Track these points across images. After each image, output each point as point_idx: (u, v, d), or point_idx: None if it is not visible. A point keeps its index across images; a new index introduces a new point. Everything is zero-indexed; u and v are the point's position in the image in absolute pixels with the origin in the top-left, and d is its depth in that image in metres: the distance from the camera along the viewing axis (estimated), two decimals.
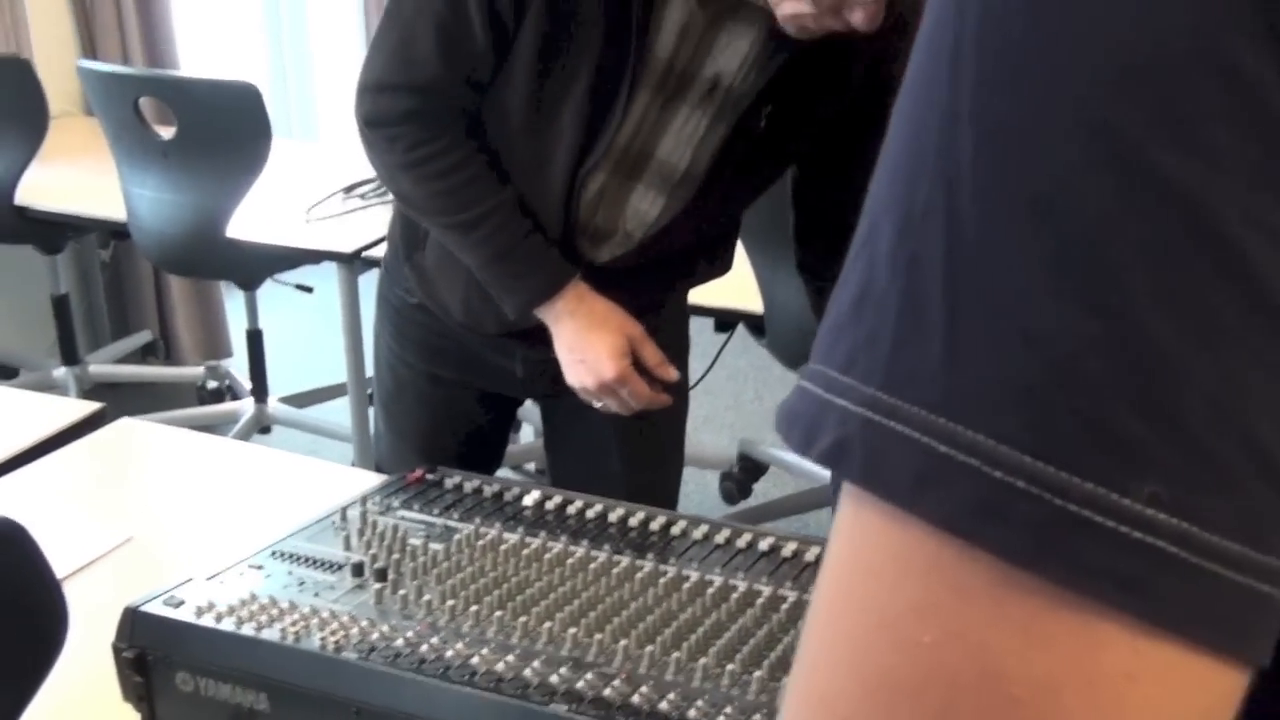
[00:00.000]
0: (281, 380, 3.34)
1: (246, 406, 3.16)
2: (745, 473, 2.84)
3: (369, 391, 2.87)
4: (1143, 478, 0.24)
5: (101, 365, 3.51)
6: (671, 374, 1.40)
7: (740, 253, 2.16)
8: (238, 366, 3.55)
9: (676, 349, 1.65)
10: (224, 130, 2.61)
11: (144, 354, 3.82)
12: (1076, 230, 0.24)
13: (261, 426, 3.13)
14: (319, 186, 2.77)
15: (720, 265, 1.54)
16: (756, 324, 2.29)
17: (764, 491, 2.93)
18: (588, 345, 1.36)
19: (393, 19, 1.34)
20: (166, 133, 2.66)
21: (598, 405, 1.41)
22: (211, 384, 3.51)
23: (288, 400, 3.23)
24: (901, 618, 0.26)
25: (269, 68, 4.58)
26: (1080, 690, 0.24)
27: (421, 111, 1.34)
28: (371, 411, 2.86)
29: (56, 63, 3.34)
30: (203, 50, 4.19)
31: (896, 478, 0.26)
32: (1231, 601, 0.24)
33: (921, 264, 0.26)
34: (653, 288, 1.46)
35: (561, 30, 1.27)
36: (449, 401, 1.58)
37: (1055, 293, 0.24)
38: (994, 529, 0.24)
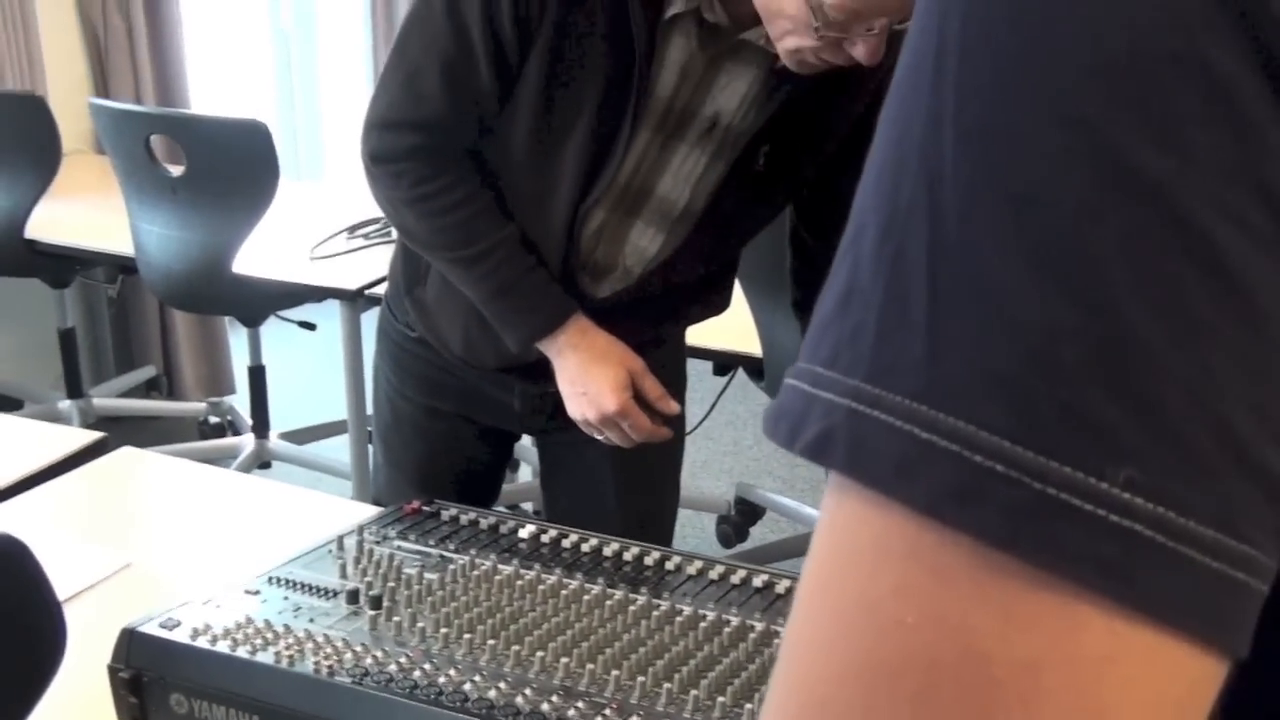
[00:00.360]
0: (282, 416, 3.35)
1: (247, 442, 3.17)
2: (742, 516, 2.84)
3: (369, 428, 2.89)
4: (1119, 463, 0.24)
5: (105, 399, 3.53)
6: (672, 407, 1.41)
7: (739, 296, 2.19)
8: (239, 402, 3.57)
9: (675, 386, 1.66)
10: (233, 168, 2.64)
11: (148, 389, 3.84)
12: (1056, 223, 0.25)
13: (261, 462, 3.14)
14: (323, 225, 2.80)
15: (718, 303, 1.55)
16: (755, 367, 2.31)
17: (760, 535, 2.93)
18: (590, 379, 1.38)
19: (400, 56, 1.36)
20: (176, 170, 2.69)
21: (599, 438, 1.42)
22: (213, 419, 3.52)
23: (288, 436, 3.24)
24: (883, 600, 0.26)
25: (277, 108, 4.64)
26: (1060, 671, 0.25)
27: (427, 148, 1.37)
28: (371, 449, 2.88)
29: (70, 101, 3.38)
30: (213, 90, 4.25)
31: (879, 465, 0.26)
32: (1207, 588, 0.25)
33: (905, 259, 0.27)
34: (651, 323, 1.48)
35: (565, 69, 1.30)
36: (447, 435, 1.59)
37: (1035, 283, 0.25)
38: (974, 512, 0.25)
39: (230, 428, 3.53)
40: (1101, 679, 0.25)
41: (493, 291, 1.38)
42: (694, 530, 2.93)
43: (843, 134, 1.37)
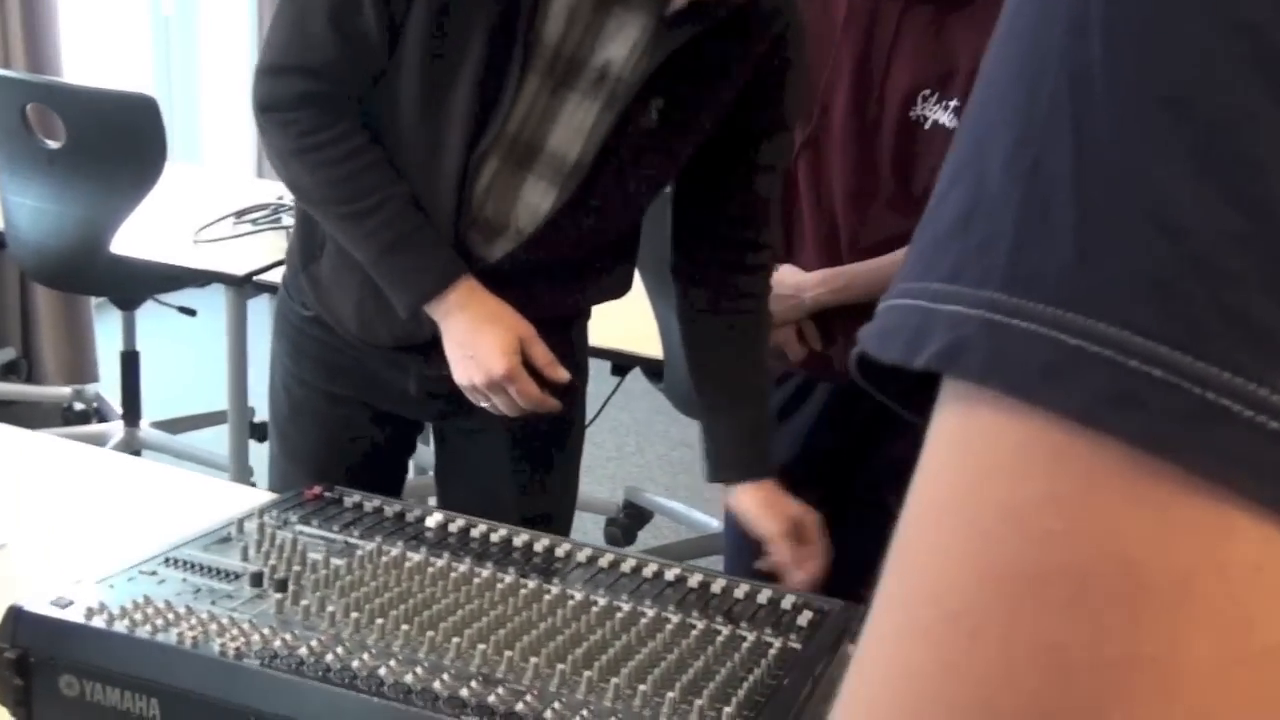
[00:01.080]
0: (154, 405, 3.23)
1: (116, 429, 3.04)
2: (630, 519, 2.84)
3: (250, 420, 2.81)
4: None
5: None
6: (561, 375, 1.39)
7: (641, 296, 2.19)
8: (106, 390, 3.43)
9: (575, 379, 1.64)
10: (116, 142, 2.54)
11: (5, 372, 3.66)
12: (1218, 125, 0.24)
13: (132, 451, 3.02)
14: (207, 210, 2.71)
15: (617, 283, 1.54)
16: (653, 369, 2.31)
17: (645, 541, 2.93)
18: (478, 341, 1.35)
19: (288, 1, 1.34)
20: (53, 143, 2.57)
21: (484, 405, 1.39)
22: (78, 406, 3.38)
23: (160, 425, 3.12)
24: (1026, 508, 0.26)
25: (154, 84, 4.48)
26: (1210, 579, 0.24)
27: (315, 95, 1.34)
28: (250, 442, 2.79)
29: None
30: (87, 60, 4.08)
31: (1023, 372, 0.26)
32: None
33: (1045, 167, 0.26)
34: (547, 295, 1.45)
35: (451, 17, 1.29)
36: (345, 422, 1.55)
37: (1195, 187, 0.24)
38: (1129, 417, 0.25)
39: (96, 415, 3.38)
40: (1251, 588, 0.24)
41: (381, 249, 1.36)
42: (580, 533, 2.91)
43: (741, 83, 1.38)
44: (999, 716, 0.26)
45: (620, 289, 1.56)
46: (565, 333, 1.56)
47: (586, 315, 1.62)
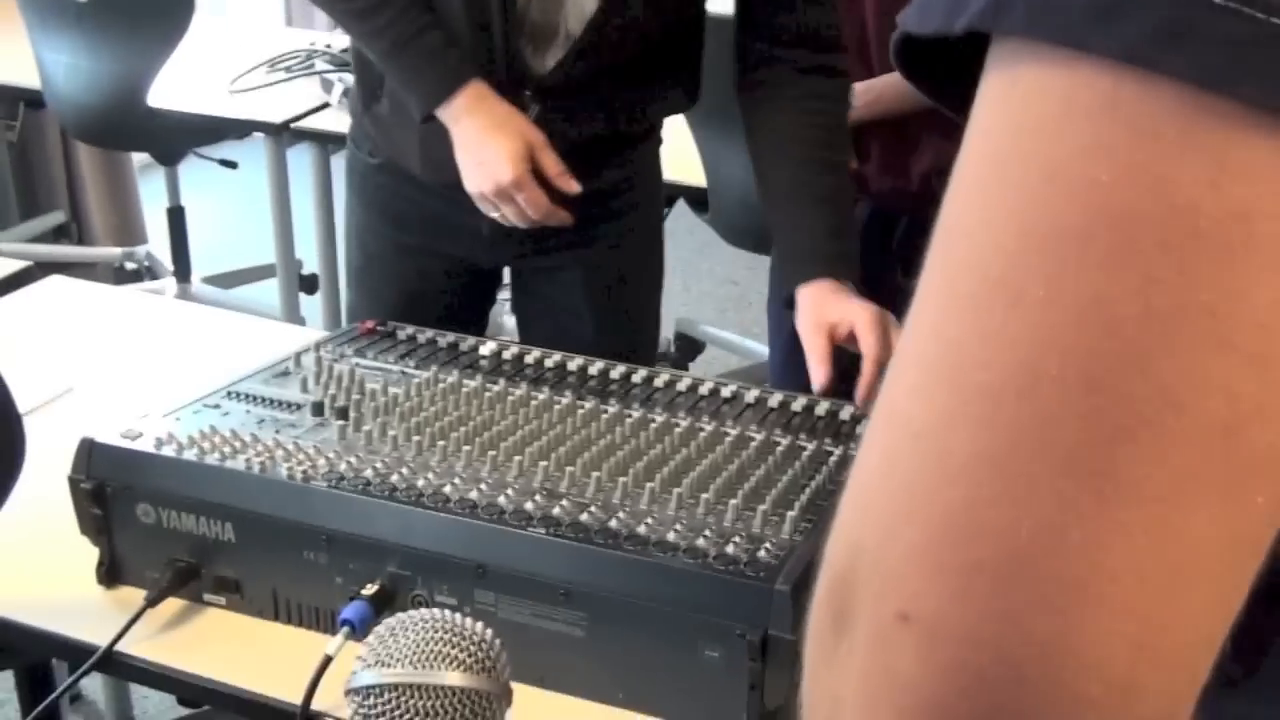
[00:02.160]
0: (203, 261, 3.25)
1: (168, 286, 3.07)
2: (681, 352, 2.85)
3: (299, 272, 2.82)
4: None
5: (13, 243, 3.38)
6: (571, 185, 1.34)
7: (683, 127, 2.14)
8: (157, 247, 3.45)
9: (652, 205, 1.59)
10: None
11: (56, 235, 3.69)
12: None
13: None
14: (239, 61, 2.66)
15: (682, 92, 1.47)
16: (698, 198, 2.28)
17: (700, 370, 2.94)
18: (485, 146, 1.32)
19: None
20: None
21: (494, 215, 1.36)
22: (129, 265, 3.40)
23: (211, 281, 3.15)
24: (1072, 161, 0.25)
25: None
26: (1270, 222, 0.23)
27: None
28: (301, 294, 2.81)
29: None
30: None
31: (1068, 17, 0.25)
32: None
33: None
34: (609, 109, 1.41)
35: None
36: (419, 273, 1.53)
37: None
38: (1183, 52, 0.23)
39: (148, 273, 3.41)
40: None
41: (387, 48, 1.33)
42: None
43: None
44: (1041, 379, 0.25)
45: (688, 100, 1.48)
46: (631, 153, 1.51)
47: (657, 138, 1.57)
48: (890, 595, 0.27)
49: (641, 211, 1.55)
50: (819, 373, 1.17)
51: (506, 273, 1.62)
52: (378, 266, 1.54)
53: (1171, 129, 0.24)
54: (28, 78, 2.64)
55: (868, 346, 1.17)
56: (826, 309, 1.25)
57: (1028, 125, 0.26)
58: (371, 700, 0.67)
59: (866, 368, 1.16)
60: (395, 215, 1.51)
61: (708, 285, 3.62)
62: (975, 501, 0.26)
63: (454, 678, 0.67)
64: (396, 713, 0.67)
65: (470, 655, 0.68)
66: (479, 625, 0.70)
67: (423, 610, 0.71)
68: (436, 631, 0.68)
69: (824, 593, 0.30)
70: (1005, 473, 0.26)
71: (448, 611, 0.71)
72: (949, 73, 0.29)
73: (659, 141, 1.57)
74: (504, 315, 2.62)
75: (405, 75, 1.34)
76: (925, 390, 0.28)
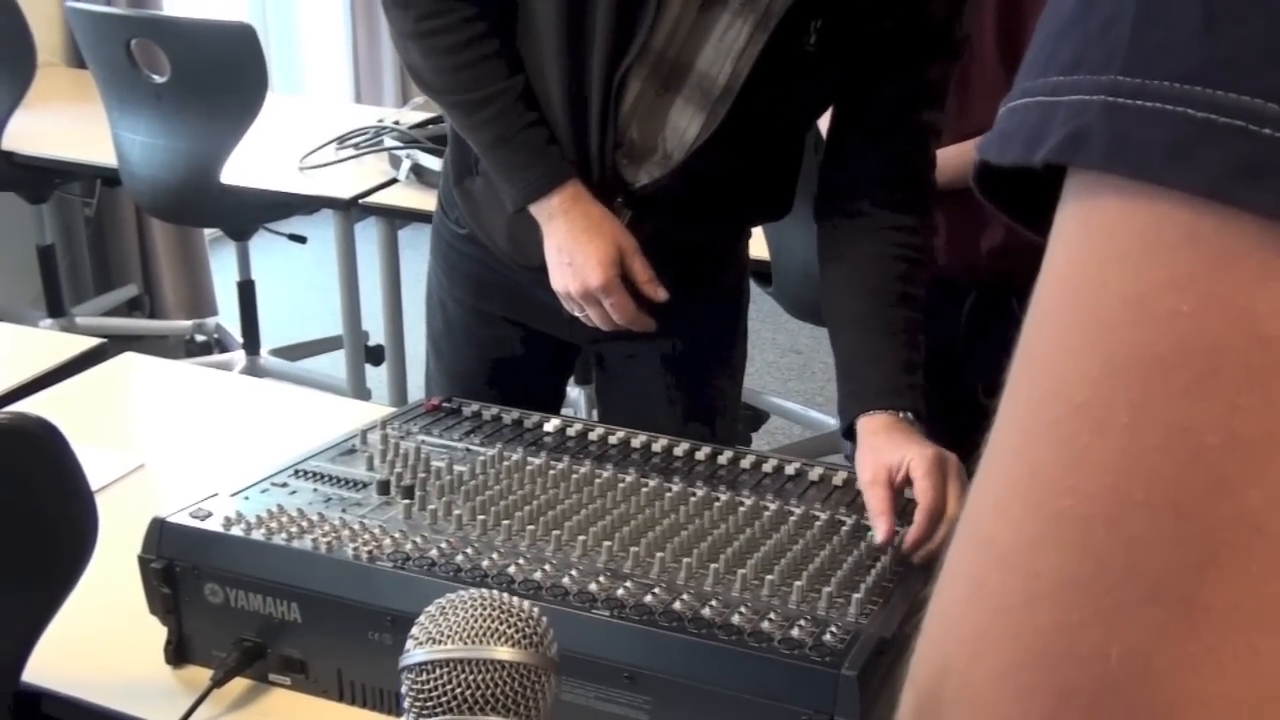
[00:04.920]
0: (271, 334, 3.31)
1: (238, 359, 3.12)
2: (745, 423, 2.83)
3: (365, 344, 2.86)
4: None
5: (88, 317, 3.47)
6: (660, 294, 1.34)
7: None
8: (227, 319, 3.52)
9: (735, 300, 1.57)
10: (219, 73, 2.57)
11: (129, 308, 3.78)
12: None
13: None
14: (310, 137, 2.73)
15: (775, 205, 1.45)
16: (761, 271, 2.28)
17: (761, 444, 2.93)
18: (577, 248, 1.32)
19: None
20: (158, 77, 2.61)
21: (579, 315, 1.37)
22: (199, 338, 3.47)
23: (279, 353, 3.20)
24: (1154, 292, 0.25)
25: (249, 14, 4.52)
26: None
27: None
28: (366, 366, 2.85)
29: (39, 12, 3.28)
30: None
31: (1147, 153, 0.25)
32: None
33: None
34: (696, 222, 1.41)
35: None
36: (498, 342, 1.54)
37: None
38: (1262, 188, 0.24)
39: (218, 345, 3.48)
40: None
41: (490, 141, 1.34)
42: None
43: (899, 19, 1.29)
44: (1127, 506, 0.25)
45: (779, 214, 1.47)
46: (731, 252, 1.52)
47: (748, 233, 1.57)
48: (978, 719, 0.27)
49: (724, 305, 1.55)
50: (880, 525, 1.08)
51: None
52: (459, 333, 1.55)
53: (1251, 261, 0.24)
54: (105, 156, 2.73)
55: (922, 492, 1.09)
56: (885, 451, 1.15)
57: (1108, 256, 0.26)
58: (425, 677, 0.69)
59: (919, 518, 1.07)
60: (478, 284, 1.52)
61: (771, 355, 3.62)
62: (1063, 626, 0.26)
63: (504, 653, 0.69)
64: (449, 687, 0.68)
65: (519, 631, 0.70)
66: (526, 602, 0.71)
67: (471, 590, 0.72)
68: (486, 609, 0.70)
69: (909, 713, 0.30)
70: (1093, 597, 0.26)
71: (495, 590, 0.73)
72: (1027, 195, 0.29)
73: (748, 236, 1.57)
74: (570, 387, 2.63)
75: (506, 167, 1.35)
76: (1010, 513, 0.28)
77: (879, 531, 1.07)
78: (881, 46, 1.28)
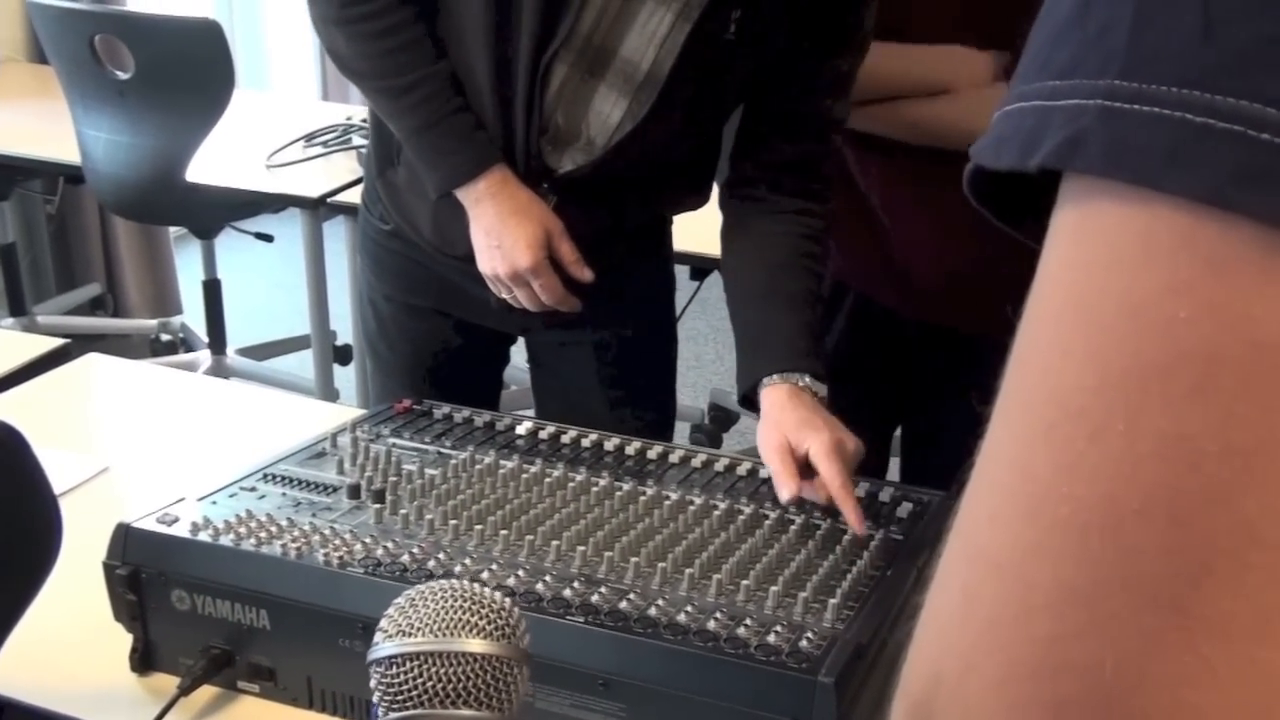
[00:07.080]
0: (239, 334, 3.27)
1: (203, 358, 3.09)
2: (715, 424, 2.83)
3: (333, 344, 2.83)
4: None
5: (50, 316, 3.42)
6: (585, 274, 1.36)
7: (713, 202, 2.13)
8: (192, 319, 3.48)
9: (662, 286, 1.62)
10: (184, 70, 2.54)
11: (92, 307, 3.73)
12: None
13: (219, 378, 3.07)
14: (277, 135, 2.70)
15: (696, 194, 1.49)
16: None
17: (731, 446, 2.93)
18: (505, 230, 1.33)
19: None
20: (122, 74, 2.58)
21: (506, 296, 1.38)
22: (165, 337, 3.43)
23: (246, 352, 3.17)
24: (1151, 299, 0.25)
25: (214, 12, 4.47)
26: None
27: None
28: (335, 366, 2.82)
29: (0, 6, 3.23)
30: None
31: (1145, 158, 0.24)
32: None
33: None
34: (615, 207, 1.42)
35: None
36: (431, 335, 1.54)
37: None
38: (1261, 194, 0.23)
39: (183, 345, 3.44)
40: None
41: (415, 127, 1.34)
42: None
43: (816, 9, 1.30)
44: (1123, 515, 0.25)
45: (699, 201, 1.52)
46: (653, 241, 1.54)
47: (669, 222, 1.59)
48: None
49: (650, 292, 1.57)
50: (788, 486, 1.11)
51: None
52: (391, 330, 1.56)
53: (1249, 267, 0.24)
54: (67, 153, 2.69)
55: (829, 477, 1.11)
56: (787, 427, 1.17)
57: (1105, 262, 0.26)
58: (394, 670, 0.67)
59: (838, 496, 1.09)
60: (406, 279, 1.52)
61: None
62: (1059, 636, 0.26)
63: (475, 645, 0.67)
64: (419, 680, 0.67)
65: (490, 622, 0.68)
66: (497, 593, 0.70)
67: (440, 581, 0.70)
68: (456, 600, 0.69)
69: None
70: (1089, 607, 0.25)
71: (465, 581, 0.71)
72: (1020, 199, 0.29)
73: (669, 226, 1.58)
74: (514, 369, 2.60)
75: (431, 153, 1.36)
76: (1004, 520, 0.27)
77: (785, 491, 1.11)
78: (794, 38, 1.31)
